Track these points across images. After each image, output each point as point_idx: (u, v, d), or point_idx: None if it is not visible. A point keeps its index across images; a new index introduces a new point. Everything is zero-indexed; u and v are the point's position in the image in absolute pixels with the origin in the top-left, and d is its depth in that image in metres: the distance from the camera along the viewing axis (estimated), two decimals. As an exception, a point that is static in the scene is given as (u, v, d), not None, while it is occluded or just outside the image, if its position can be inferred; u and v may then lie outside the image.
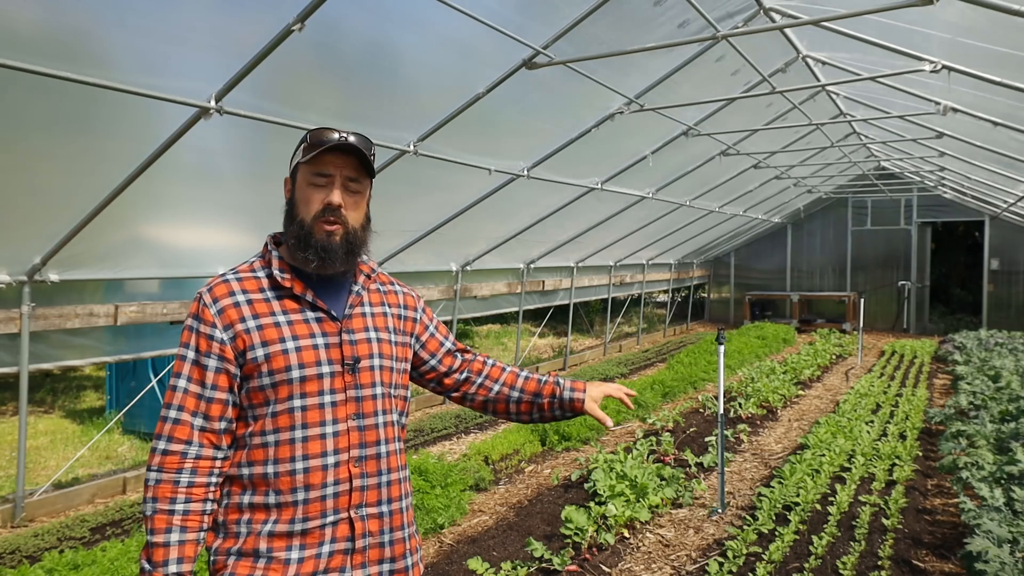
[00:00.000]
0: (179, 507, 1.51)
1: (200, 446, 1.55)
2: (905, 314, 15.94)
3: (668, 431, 6.77)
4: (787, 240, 17.11)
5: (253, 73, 3.88)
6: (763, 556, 3.98)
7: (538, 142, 6.62)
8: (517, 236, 8.50)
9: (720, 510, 4.87)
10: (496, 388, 1.90)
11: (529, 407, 1.90)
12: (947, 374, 10.45)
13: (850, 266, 16.47)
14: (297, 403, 1.57)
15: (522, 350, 11.42)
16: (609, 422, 1.87)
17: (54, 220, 4.40)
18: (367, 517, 1.60)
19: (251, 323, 1.59)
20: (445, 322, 8.42)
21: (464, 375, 1.90)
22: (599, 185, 8.18)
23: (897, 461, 5.72)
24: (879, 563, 3.89)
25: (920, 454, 6.06)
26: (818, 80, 7.45)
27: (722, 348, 4.98)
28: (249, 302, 1.61)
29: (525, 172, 6.83)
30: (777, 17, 5.66)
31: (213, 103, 3.96)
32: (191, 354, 1.58)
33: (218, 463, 1.57)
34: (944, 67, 5.33)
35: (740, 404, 7.75)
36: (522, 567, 3.87)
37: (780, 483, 5.15)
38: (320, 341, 1.61)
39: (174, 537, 1.50)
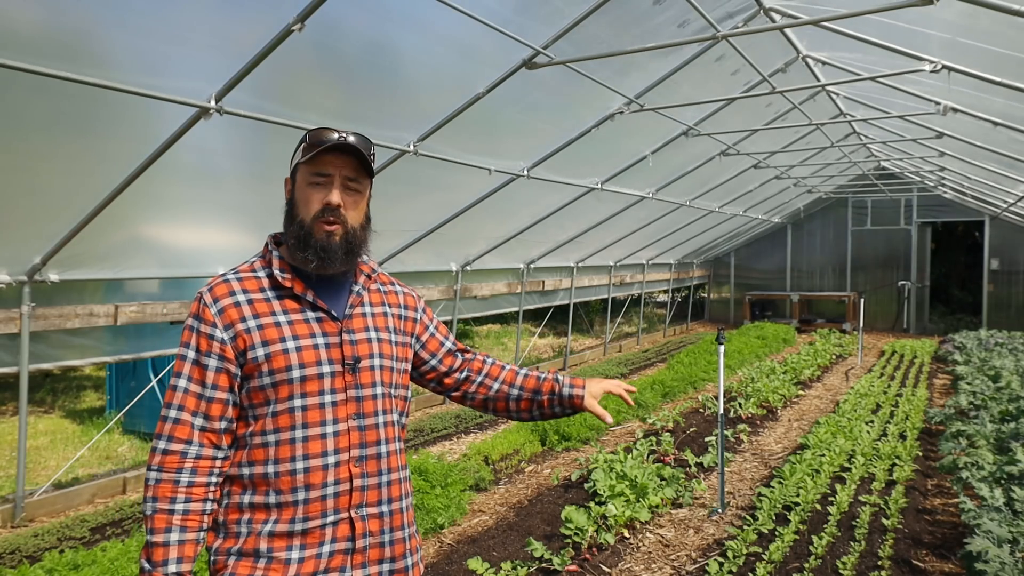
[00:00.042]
0: (179, 507, 1.51)
1: (200, 446, 1.55)
2: (905, 314, 15.94)
3: (668, 431, 6.77)
4: (787, 240, 17.11)
5: (253, 73, 3.88)
6: (763, 556, 3.98)
7: (538, 142, 6.62)
8: (517, 236, 8.50)
9: (720, 510, 4.87)
10: (496, 386, 1.90)
11: (529, 404, 1.91)
12: (947, 374, 10.45)
13: (850, 266, 16.47)
14: (297, 403, 1.57)
15: (522, 350, 11.42)
16: (608, 418, 1.87)
17: (54, 220, 4.40)
18: (367, 517, 1.60)
19: (252, 323, 1.59)
20: (445, 322, 8.42)
21: (464, 374, 1.90)
22: (599, 185, 8.18)
23: (897, 461, 5.72)
24: (879, 563, 3.89)
25: (920, 454, 6.06)
26: (818, 80, 7.45)
27: (722, 348, 4.98)
28: (250, 302, 1.61)
29: (525, 172, 6.83)
30: (777, 17, 5.66)
31: (213, 103, 3.96)
32: (191, 354, 1.58)
33: (218, 463, 1.57)
34: (944, 67, 5.33)
35: (740, 404, 7.75)
36: (522, 567, 3.87)
37: (780, 483, 5.15)
38: (320, 341, 1.61)
39: (174, 537, 1.50)
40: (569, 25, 4.76)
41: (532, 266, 9.98)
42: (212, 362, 1.57)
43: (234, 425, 1.60)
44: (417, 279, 7.90)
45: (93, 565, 3.48)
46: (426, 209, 6.80)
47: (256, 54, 3.78)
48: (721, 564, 3.92)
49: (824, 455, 5.77)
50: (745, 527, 4.40)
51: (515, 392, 1.90)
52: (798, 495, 4.87)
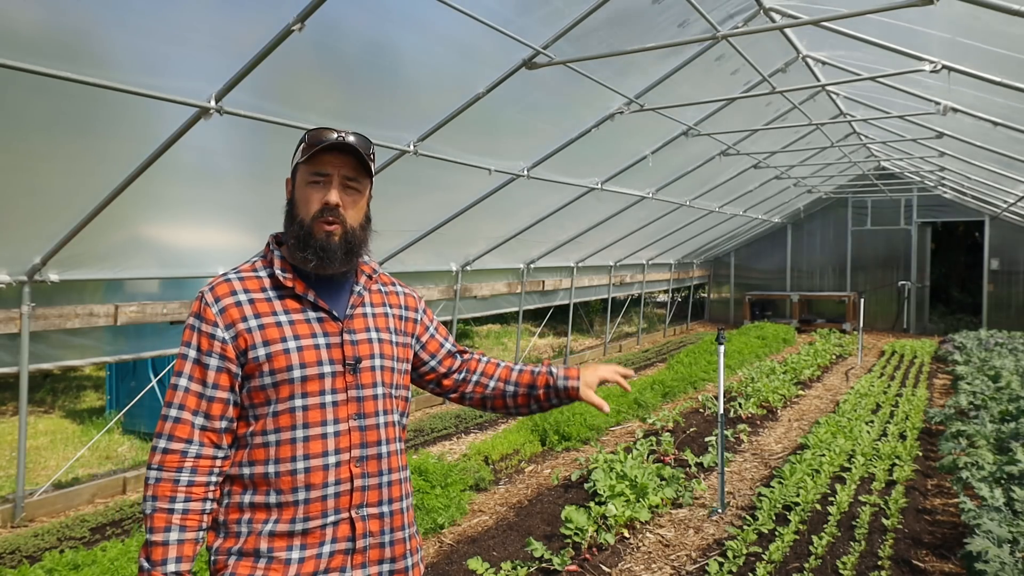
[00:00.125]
0: (179, 506, 1.51)
1: (201, 445, 1.55)
2: (905, 314, 15.94)
3: (668, 431, 6.77)
4: (787, 240, 17.11)
5: (253, 73, 3.88)
6: (763, 556, 3.98)
7: (538, 142, 6.62)
8: (517, 236, 8.50)
9: (720, 510, 4.87)
10: (492, 384, 1.91)
11: (526, 399, 1.91)
12: (947, 374, 10.45)
13: (850, 266, 16.47)
14: (298, 403, 1.57)
15: (522, 350, 11.43)
16: (605, 407, 1.86)
17: (54, 220, 4.40)
18: (368, 517, 1.60)
19: (253, 322, 1.59)
20: (445, 322, 8.42)
21: (462, 375, 1.91)
22: (599, 185, 8.18)
23: (897, 461, 5.72)
24: (879, 563, 3.89)
25: (920, 454, 6.06)
26: (818, 80, 7.46)
27: (722, 348, 4.98)
28: (251, 301, 1.61)
29: (525, 172, 6.83)
30: (777, 17, 5.66)
31: (213, 103, 3.96)
32: (192, 353, 1.58)
33: (218, 462, 1.57)
34: (944, 67, 5.33)
35: (740, 404, 7.75)
36: (522, 567, 3.87)
37: (780, 483, 5.15)
38: (321, 341, 1.61)
39: (173, 536, 1.50)
40: (569, 25, 4.77)
41: (532, 266, 9.98)
42: (213, 361, 1.57)
43: (235, 425, 1.60)
44: (417, 279, 7.90)
45: (93, 565, 3.48)
46: (426, 209, 6.80)
47: (256, 54, 3.78)
48: (721, 564, 3.92)
49: (824, 455, 5.77)
50: (745, 527, 4.40)
51: (511, 389, 1.91)
52: (798, 495, 4.87)
